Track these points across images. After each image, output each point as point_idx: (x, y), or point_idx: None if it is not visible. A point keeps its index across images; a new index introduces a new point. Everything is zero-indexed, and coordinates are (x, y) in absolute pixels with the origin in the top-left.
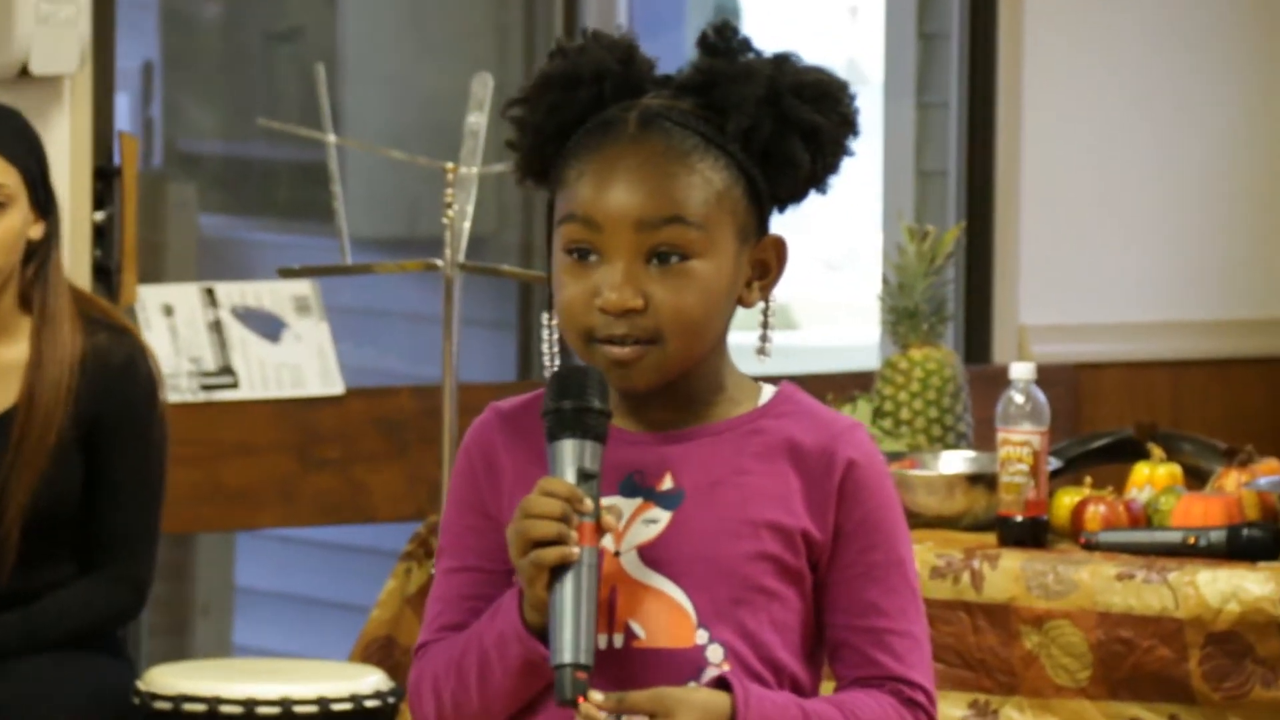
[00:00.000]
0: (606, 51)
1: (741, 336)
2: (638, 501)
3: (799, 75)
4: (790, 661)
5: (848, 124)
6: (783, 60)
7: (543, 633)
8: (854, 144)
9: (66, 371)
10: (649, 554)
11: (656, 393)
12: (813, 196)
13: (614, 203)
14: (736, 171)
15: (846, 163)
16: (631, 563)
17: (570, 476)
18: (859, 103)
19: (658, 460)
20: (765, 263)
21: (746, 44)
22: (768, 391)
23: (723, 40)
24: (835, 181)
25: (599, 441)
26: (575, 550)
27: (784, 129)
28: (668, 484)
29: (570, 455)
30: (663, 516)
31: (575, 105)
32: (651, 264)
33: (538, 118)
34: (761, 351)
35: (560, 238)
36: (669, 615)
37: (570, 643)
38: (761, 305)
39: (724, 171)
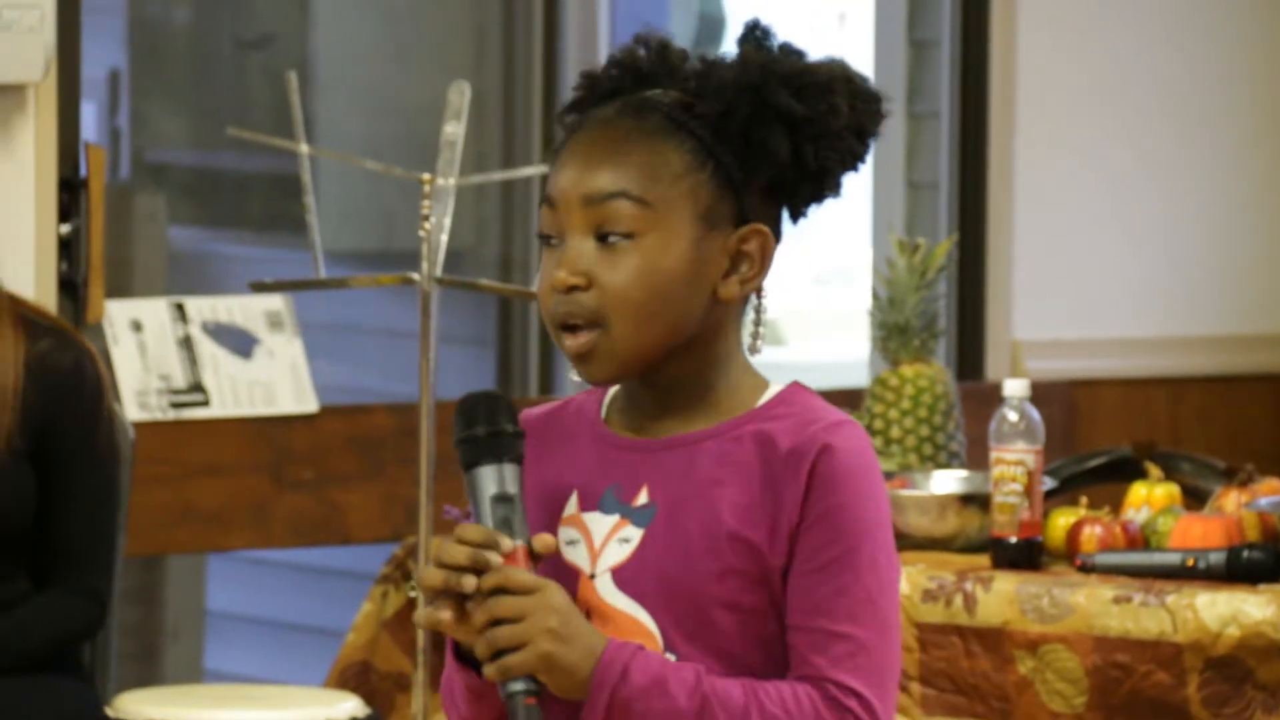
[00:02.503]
0: (638, 46)
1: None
2: (615, 519)
3: (792, 64)
4: (776, 673)
5: (834, 114)
6: (788, 52)
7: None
8: (854, 142)
9: (10, 379)
10: (619, 576)
11: (642, 393)
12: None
13: (567, 180)
14: (704, 155)
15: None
16: (605, 586)
17: (486, 506)
18: (867, 104)
19: (637, 471)
20: (746, 254)
21: (771, 41)
22: (770, 393)
23: (752, 36)
24: (838, 181)
25: (516, 463)
26: (445, 616)
27: (762, 115)
28: (642, 499)
29: (490, 481)
30: (635, 535)
31: (596, 97)
32: (600, 243)
33: (567, 112)
34: (753, 349)
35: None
36: (636, 640)
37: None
38: (754, 302)
39: (688, 154)
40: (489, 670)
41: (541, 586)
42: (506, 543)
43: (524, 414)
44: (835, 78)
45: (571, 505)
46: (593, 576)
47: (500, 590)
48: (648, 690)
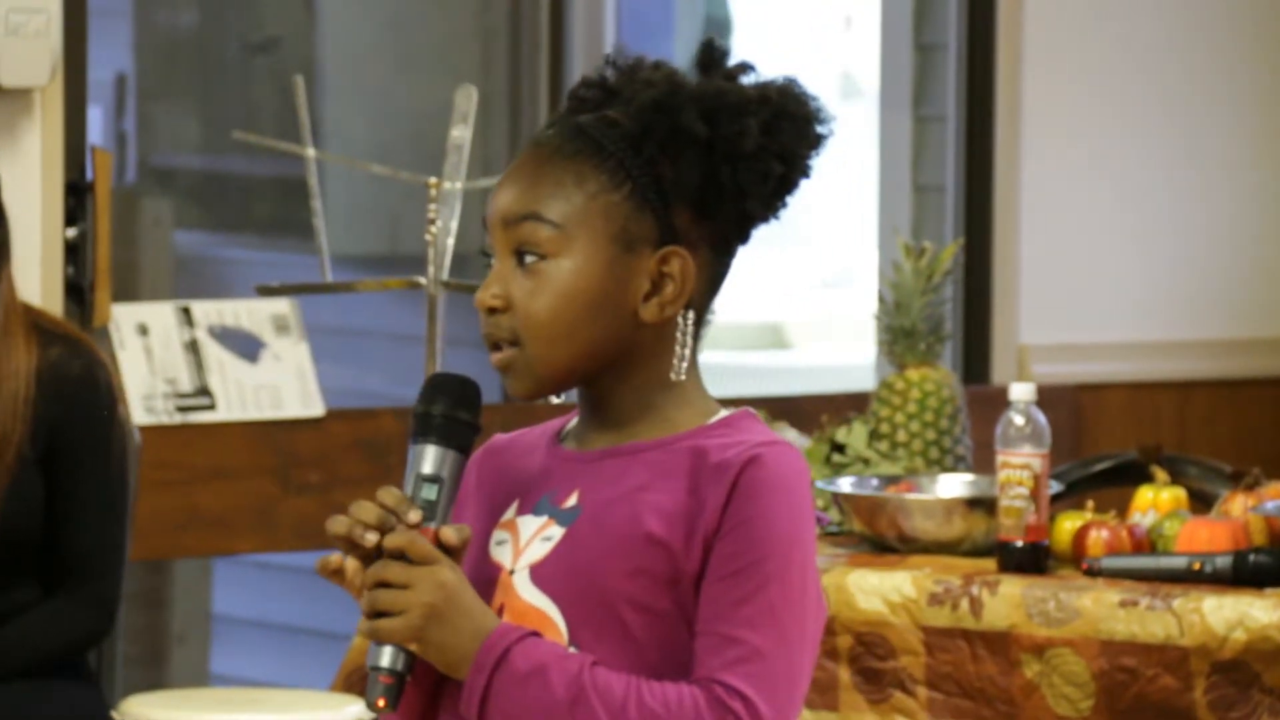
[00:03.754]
0: (607, 65)
1: (739, 357)
2: (543, 520)
3: (707, 86)
4: (682, 678)
5: (743, 137)
6: (725, 74)
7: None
8: (775, 163)
9: (23, 387)
10: (537, 572)
11: (586, 409)
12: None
13: (492, 202)
14: (622, 176)
15: (796, 188)
16: (522, 581)
17: (413, 482)
18: (794, 125)
19: (572, 478)
20: (668, 276)
21: (728, 61)
22: (717, 416)
23: (706, 56)
24: (767, 202)
25: (461, 452)
26: (336, 560)
27: (673, 137)
28: (571, 501)
29: (427, 460)
30: (557, 534)
31: (571, 114)
32: (519, 264)
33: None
34: (675, 371)
35: None
36: (541, 632)
37: (377, 646)
38: (679, 325)
39: (605, 175)
40: (360, 627)
41: (435, 560)
42: (415, 514)
43: (494, 437)
44: (750, 100)
45: (511, 511)
46: (512, 572)
47: (398, 554)
48: (526, 676)
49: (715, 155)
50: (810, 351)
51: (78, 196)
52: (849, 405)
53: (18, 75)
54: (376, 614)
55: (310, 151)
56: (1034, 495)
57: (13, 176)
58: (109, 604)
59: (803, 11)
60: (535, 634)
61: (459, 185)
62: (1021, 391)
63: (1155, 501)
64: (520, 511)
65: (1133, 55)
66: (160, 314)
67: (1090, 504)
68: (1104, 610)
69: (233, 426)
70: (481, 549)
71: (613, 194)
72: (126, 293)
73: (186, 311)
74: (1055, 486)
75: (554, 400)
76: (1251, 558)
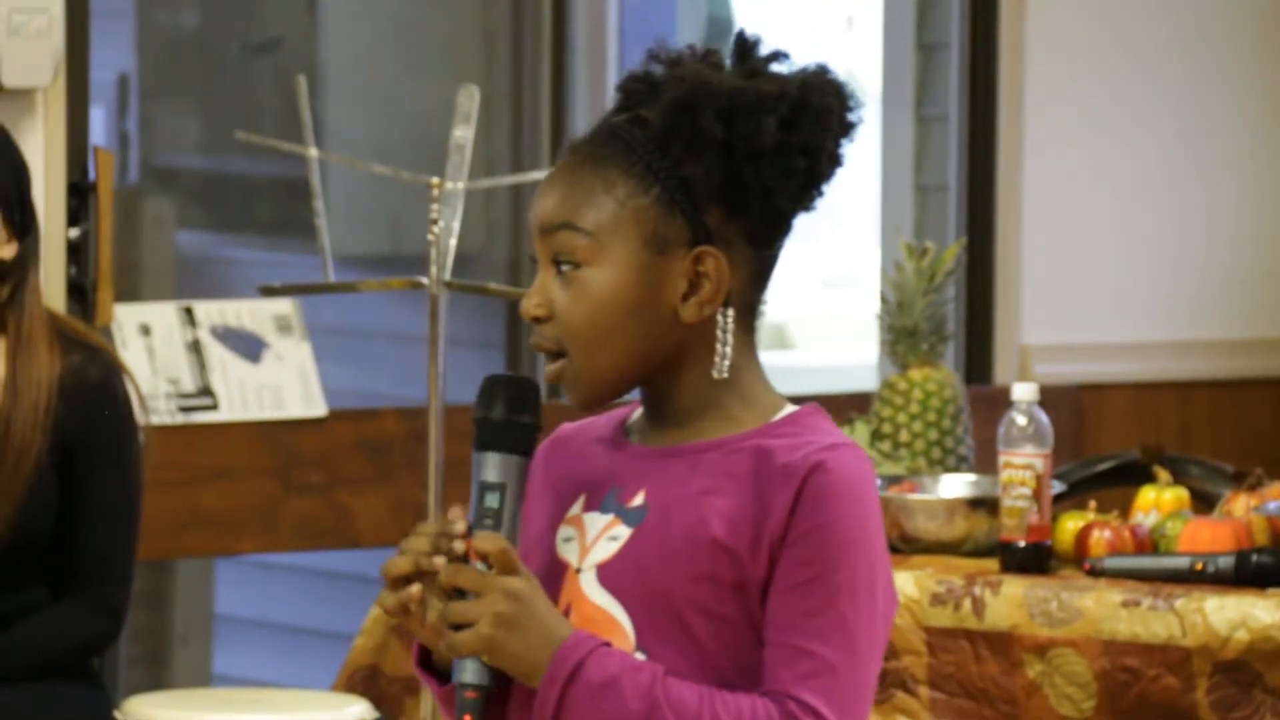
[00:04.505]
0: (654, 60)
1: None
2: (609, 518)
3: (726, 84)
4: (749, 685)
5: (760, 135)
6: (753, 69)
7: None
8: (798, 159)
9: (44, 395)
10: (603, 572)
11: (649, 406)
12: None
13: (532, 210)
14: (650, 179)
15: (818, 183)
16: (589, 581)
17: (475, 490)
18: (815, 120)
19: (638, 475)
20: (703, 276)
21: (760, 51)
22: (783, 413)
23: (739, 48)
24: (797, 197)
25: (524, 455)
26: (415, 591)
27: (695, 138)
28: (638, 500)
29: (488, 468)
30: (624, 534)
31: (620, 111)
32: (559, 272)
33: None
34: (717, 369)
35: None
36: (609, 636)
37: (459, 662)
38: (719, 323)
39: (634, 179)
40: (440, 645)
41: (512, 571)
42: (461, 523)
43: (561, 426)
44: (766, 96)
45: (577, 506)
46: (579, 571)
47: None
48: (600, 688)
49: (736, 155)
50: (813, 351)
51: (80, 197)
52: (851, 405)
53: (20, 75)
54: (453, 628)
55: (312, 151)
56: (1036, 495)
57: None
58: (117, 609)
59: (805, 12)
60: (607, 644)
61: (461, 185)
62: (1024, 392)
63: (1157, 502)
64: (586, 507)
65: (1135, 55)
66: (162, 314)
67: (1092, 504)
68: (1106, 610)
69: (235, 426)
70: (548, 544)
71: (642, 198)
72: (129, 293)
73: (189, 311)
74: (1057, 487)
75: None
76: (1254, 558)
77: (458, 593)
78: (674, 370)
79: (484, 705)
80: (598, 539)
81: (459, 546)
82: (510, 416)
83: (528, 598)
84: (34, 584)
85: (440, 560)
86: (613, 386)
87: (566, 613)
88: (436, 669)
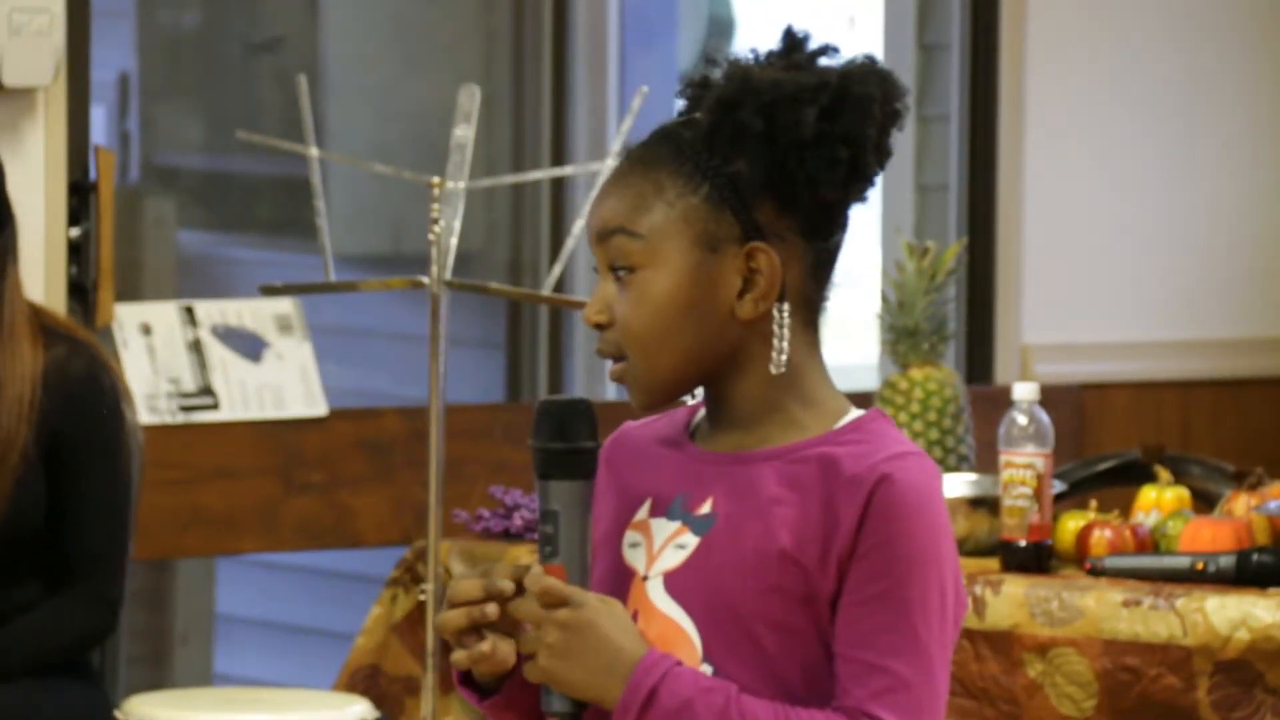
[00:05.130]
0: (708, 67)
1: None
2: (676, 525)
3: (766, 77)
4: (817, 698)
5: (800, 127)
6: (798, 63)
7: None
8: (840, 149)
9: (28, 388)
10: (671, 581)
11: (713, 409)
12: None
13: (589, 217)
14: (699, 178)
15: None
16: (655, 589)
17: (544, 517)
18: (855, 110)
19: (705, 482)
20: (757, 272)
21: (809, 46)
22: (847, 418)
23: (786, 43)
24: (844, 190)
25: (585, 479)
26: (486, 648)
27: (738, 133)
28: (705, 509)
29: (548, 495)
30: (691, 543)
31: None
32: (616, 278)
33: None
34: (774, 365)
35: None
36: (676, 646)
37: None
38: (775, 319)
39: (682, 179)
40: (526, 672)
41: (565, 601)
42: (505, 583)
43: (625, 425)
44: (805, 88)
45: (643, 511)
46: (645, 579)
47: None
48: (674, 714)
49: (778, 148)
50: None
51: (81, 196)
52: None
53: (21, 75)
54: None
55: (313, 151)
56: (1037, 495)
57: (16, 176)
58: (112, 603)
59: (806, 11)
60: (679, 663)
61: (462, 185)
62: (1024, 391)
63: (1158, 501)
64: (653, 513)
65: (1135, 55)
66: (163, 313)
67: (1093, 504)
68: (1107, 610)
69: (236, 426)
70: (615, 549)
71: (690, 197)
72: (130, 292)
73: (190, 311)
74: (1058, 486)
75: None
76: (1254, 557)
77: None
78: (734, 370)
79: None
80: (665, 546)
81: (507, 587)
82: (568, 444)
83: (580, 625)
84: (27, 580)
85: (493, 608)
86: (673, 388)
87: (634, 619)
88: (478, 685)
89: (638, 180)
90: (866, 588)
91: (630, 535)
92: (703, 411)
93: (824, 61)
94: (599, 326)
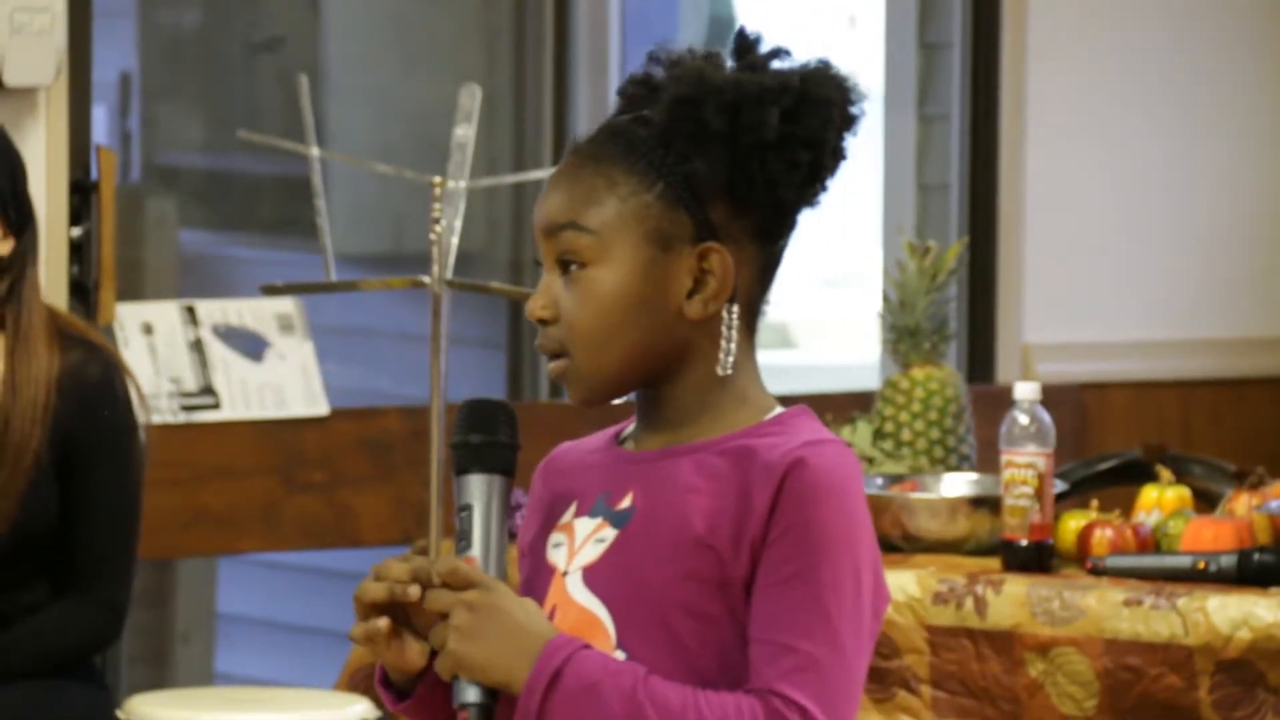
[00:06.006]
0: (652, 64)
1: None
2: (597, 521)
3: (726, 78)
4: (732, 684)
5: (763, 128)
6: (754, 64)
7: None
8: (802, 151)
9: (43, 391)
10: (589, 574)
11: (643, 410)
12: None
13: (536, 212)
14: (653, 176)
15: (820, 178)
16: (574, 583)
17: (460, 512)
18: (817, 112)
19: (627, 479)
20: (708, 272)
21: (761, 48)
22: (771, 414)
23: (739, 45)
24: (799, 192)
25: (506, 475)
26: (383, 624)
27: (697, 133)
28: (625, 503)
29: (463, 489)
30: (610, 535)
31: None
32: (564, 272)
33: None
34: (721, 366)
35: None
36: (590, 635)
37: (455, 684)
38: (724, 319)
39: (636, 176)
40: (437, 665)
41: (474, 584)
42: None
43: (559, 446)
44: (768, 89)
45: (568, 514)
46: (565, 574)
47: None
48: (581, 693)
49: (740, 148)
50: (815, 350)
51: (82, 195)
52: (853, 404)
53: (22, 74)
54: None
55: (314, 150)
56: (1038, 494)
57: None
58: (119, 607)
59: (807, 11)
60: (586, 646)
61: (463, 184)
62: (1026, 390)
63: (1160, 501)
64: (578, 514)
65: (1137, 54)
66: (165, 313)
67: (1095, 503)
68: (1108, 609)
69: (237, 425)
70: (538, 552)
71: (644, 194)
72: (131, 291)
73: (191, 310)
74: (1059, 486)
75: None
76: (1256, 557)
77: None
78: (677, 369)
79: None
80: (585, 542)
81: (436, 579)
82: (485, 437)
83: (487, 606)
84: (35, 582)
85: (415, 589)
86: (617, 384)
87: (550, 615)
88: (396, 686)
89: (589, 175)
90: (778, 570)
91: (554, 537)
92: (632, 424)
93: (776, 65)
94: (543, 322)
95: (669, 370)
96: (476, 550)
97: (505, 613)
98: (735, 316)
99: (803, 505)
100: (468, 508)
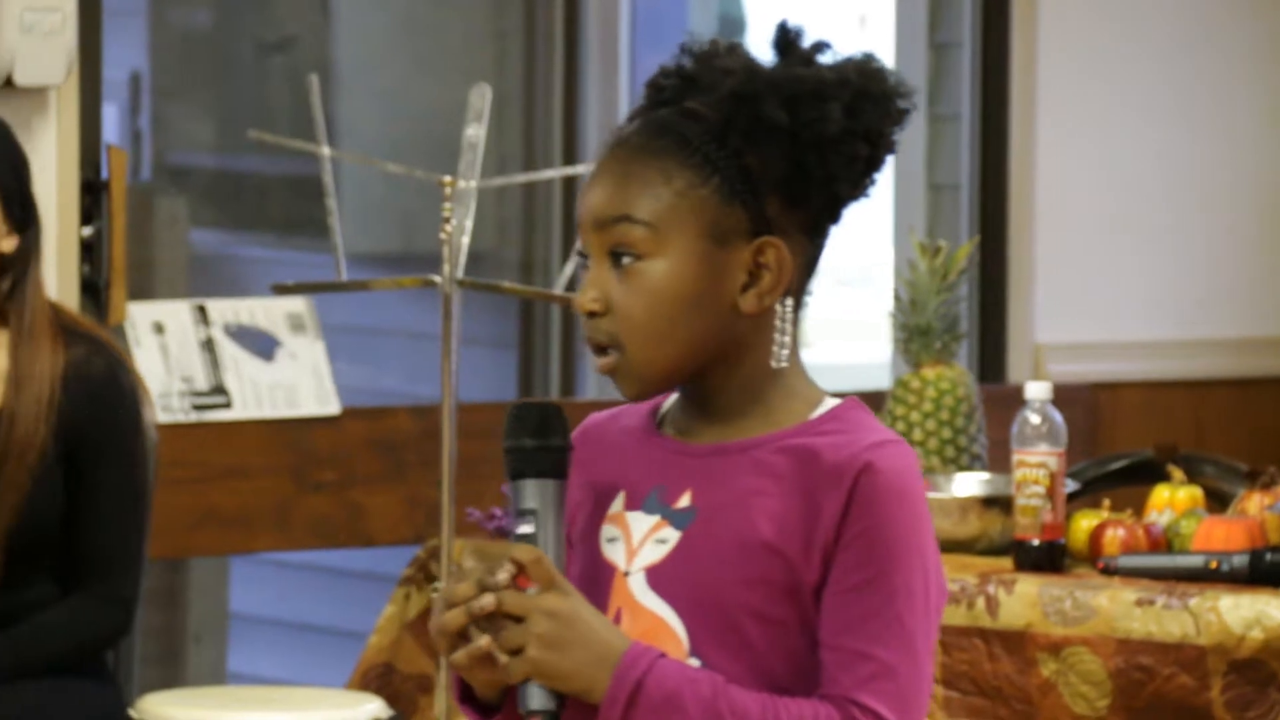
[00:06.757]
0: (683, 55)
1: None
2: (654, 519)
3: (785, 72)
4: (803, 688)
5: (825, 122)
6: (801, 58)
7: (491, 699)
8: (861, 145)
9: (47, 387)
10: (653, 576)
11: (690, 400)
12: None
13: (582, 204)
14: (709, 170)
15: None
16: (638, 585)
17: (513, 517)
18: (876, 106)
19: (682, 475)
20: (764, 267)
21: (803, 42)
22: (824, 408)
23: (781, 39)
24: (855, 184)
25: (560, 478)
26: (484, 642)
27: (755, 127)
28: (684, 502)
29: (523, 494)
30: (672, 537)
31: (653, 106)
32: (616, 265)
33: (627, 122)
34: (775, 359)
35: None
36: (662, 641)
37: (522, 689)
38: (778, 313)
39: (691, 170)
40: (479, 676)
41: (549, 584)
42: (503, 576)
43: (590, 417)
44: (828, 84)
45: (617, 504)
46: (627, 574)
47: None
48: (662, 704)
49: (800, 143)
50: (826, 350)
51: (93, 195)
52: (865, 403)
53: (33, 74)
54: (511, 654)
55: (325, 150)
56: (1050, 494)
57: None
58: (127, 603)
59: (817, 10)
60: (663, 655)
61: (473, 184)
62: (1037, 390)
63: (1171, 500)
64: (629, 505)
65: (1148, 52)
66: (176, 312)
67: (1106, 503)
68: (1120, 609)
69: (248, 425)
70: (591, 545)
71: (701, 189)
72: (142, 291)
73: (202, 310)
74: (1071, 485)
75: None
76: (1268, 556)
77: (509, 619)
78: (724, 363)
79: None
80: (644, 541)
81: (504, 578)
82: (540, 442)
83: (569, 615)
84: (42, 580)
85: (489, 599)
86: (669, 377)
87: (616, 618)
88: (479, 701)
89: (641, 169)
90: (851, 576)
91: (607, 529)
92: (670, 403)
93: (821, 60)
94: (592, 315)
95: (719, 363)
96: (546, 555)
97: (585, 621)
98: (790, 310)
99: (874, 510)
100: (530, 513)
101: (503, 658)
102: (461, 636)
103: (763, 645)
